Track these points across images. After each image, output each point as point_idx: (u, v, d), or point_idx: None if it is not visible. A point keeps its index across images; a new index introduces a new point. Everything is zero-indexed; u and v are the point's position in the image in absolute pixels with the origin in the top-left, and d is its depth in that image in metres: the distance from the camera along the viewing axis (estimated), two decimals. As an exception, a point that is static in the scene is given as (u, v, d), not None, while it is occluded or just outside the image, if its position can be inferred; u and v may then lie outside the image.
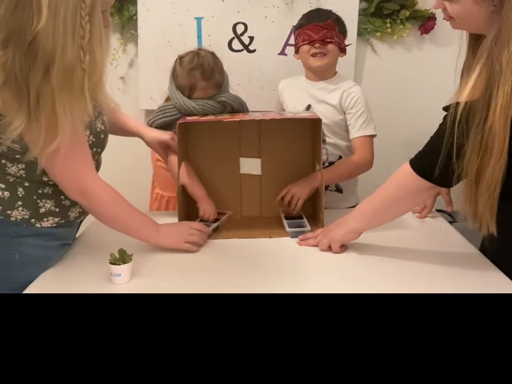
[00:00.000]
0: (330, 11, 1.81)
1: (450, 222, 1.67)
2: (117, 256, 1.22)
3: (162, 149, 1.61)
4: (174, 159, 1.59)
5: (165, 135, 1.59)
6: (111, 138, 1.38)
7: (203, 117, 1.57)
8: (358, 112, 1.74)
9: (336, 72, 1.82)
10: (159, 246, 1.39)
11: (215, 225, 1.53)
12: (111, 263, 1.22)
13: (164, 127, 1.63)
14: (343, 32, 1.79)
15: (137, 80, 2.29)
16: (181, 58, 1.66)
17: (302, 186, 1.59)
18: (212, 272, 1.30)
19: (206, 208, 1.57)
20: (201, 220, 1.56)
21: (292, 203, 1.59)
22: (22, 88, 1.05)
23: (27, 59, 1.03)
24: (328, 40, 1.71)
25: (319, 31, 1.70)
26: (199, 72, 1.61)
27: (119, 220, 1.32)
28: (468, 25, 1.20)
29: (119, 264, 1.21)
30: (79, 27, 1.03)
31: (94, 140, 1.27)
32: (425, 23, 2.25)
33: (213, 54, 1.67)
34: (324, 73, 1.79)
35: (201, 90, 1.62)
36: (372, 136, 1.75)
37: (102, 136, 1.32)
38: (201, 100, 1.61)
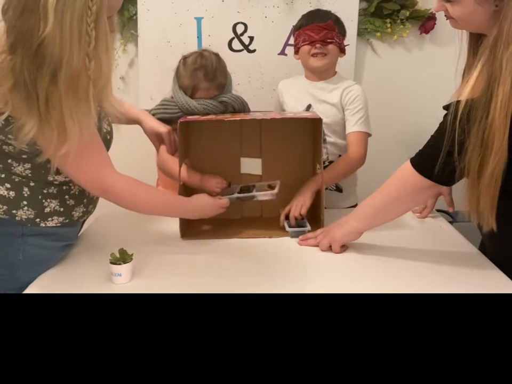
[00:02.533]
0: (330, 12, 1.81)
1: (451, 222, 1.67)
2: (118, 256, 1.23)
3: (158, 139, 1.63)
4: (163, 150, 1.63)
5: (162, 128, 1.61)
6: (116, 136, 1.38)
7: (204, 116, 1.57)
8: (355, 109, 1.74)
9: (336, 72, 1.82)
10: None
11: (234, 196, 1.53)
12: (111, 262, 1.22)
13: (163, 121, 1.64)
14: (342, 32, 1.79)
15: (137, 80, 2.29)
16: (185, 58, 1.67)
17: (302, 195, 1.58)
18: (212, 272, 1.30)
19: (211, 184, 1.57)
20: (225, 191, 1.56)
21: (297, 212, 1.56)
22: (31, 92, 1.05)
23: (34, 64, 1.04)
24: (328, 40, 1.71)
25: (319, 32, 1.71)
26: (202, 73, 1.61)
27: (146, 206, 1.36)
28: (469, 25, 1.20)
29: (119, 264, 1.22)
30: (85, 34, 1.04)
31: None
32: (425, 23, 2.25)
33: (217, 55, 1.67)
34: (324, 73, 1.79)
35: (203, 91, 1.62)
36: (367, 134, 1.75)
37: (108, 137, 1.33)
38: (203, 99, 1.61)
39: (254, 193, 1.54)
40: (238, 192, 1.55)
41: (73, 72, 1.04)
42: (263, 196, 1.54)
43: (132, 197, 1.31)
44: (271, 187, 1.56)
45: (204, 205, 1.46)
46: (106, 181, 1.25)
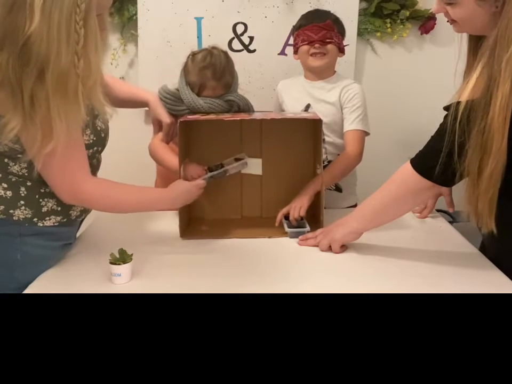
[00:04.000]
0: (329, 12, 1.81)
1: (451, 222, 1.67)
2: (117, 256, 1.23)
3: (158, 126, 1.64)
4: (158, 136, 1.64)
5: (165, 118, 1.61)
6: (115, 136, 1.38)
7: (204, 116, 1.57)
8: (354, 107, 1.74)
9: (335, 72, 1.82)
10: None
11: (211, 174, 1.54)
12: (111, 263, 1.22)
13: (170, 114, 1.65)
14: (341, 32, 1.79)
15: (137, 80, 2.29)
16: (193, 54, 1.65)
17: (300, 198, 1.58)
18: (212, 272, 1.30)
19: (186, 169, 1.54)
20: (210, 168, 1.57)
21: (296, 214, 1.56)
22: (16, 90, 1.05)
23: (20, 62, 1.04)
24: (327, 40, 1.71)
25: (318, 32, 1.71)
26: (210, 72, 1.60)
27: (123, 206, 1.36)
28: (471, 27, 1.19)
29: (119, 264, 1.22)
30: (74, 32, 1.03)
31: (94, 138, 1.28)
32: (425, 23, 2.25)
33: (225, 53, 1.66)
34: (323, 73, 1.79)
35: (210, 89, 1.62)
36: (364, 133, 1.75)
37: (103, 135, 1.32)
38: (209, 98, 1.61)
39: (225, 167, 1.56)
40: (210, 171, 1.56)
41: (61, 70, 1.04)
42: (234, 168, 1.58)
43: (106, 199, 1.30)
44: (238, 160, 1.59)
45: (182, 191, 1.44)
46: (79, 188, 1.23)
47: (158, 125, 1.64)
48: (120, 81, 1.66)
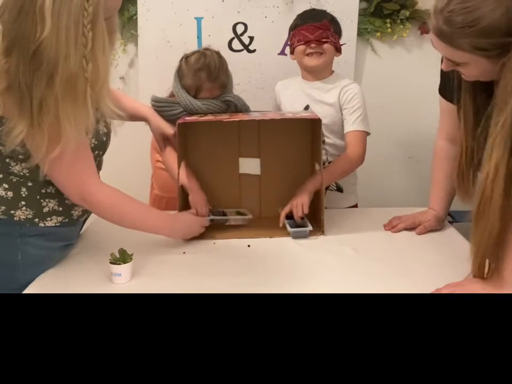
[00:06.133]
0: (325, 11, 1.80)
1: (450, 222, 1.67)
2: (118, 255, 1.23)
3: (163, 139, 1.63)
4: (170, 152, 1.61)
5: (168, 129, 1.60)
6: (115, 136, 1.38)
7: (202, 117, 1.57)
8: (353, 107, 1.73)
9: (332, 72, 1.81)
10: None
11: (221, 218, 1.59)
12: (111, 262, 1.22)
13: (168, 121, 1.64)
14: (338, 32, 1.78)
15: (137, 80, 2.30)
16: (186, 57, 1.65)
17: (300, 195, 1.57)
18: (212, 272, 1.30)
19: (197, 199, 1.56)
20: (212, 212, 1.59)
21: (299, 212, 1.56)
22: (25, 95, 1.05)
23: (31, 67, 1.03)
24: (324, 40, 1.70)
25: (314, 31, 1.70)
26: (205, 73, 1.60)
27: (126, 220, 1.34)
28: (481, 77, 1.17)
29: (119, 264, 1.22)
30: (82, 35, 1.03)
31: (96, 142, 1.28)
32: (425, 23, 2.25)
33: (218, 53, 1.66)
34: (320, 73, 1.78)
35: (207, 91, 1.62)
36: (365, 133, 1.74)
37: (104, 139, 1.32)
38: (207, 99, 1.61)
39: (228, 216, 1.61)
40: (212, 214, 1.58)
41: (70, 74, 1.04)
42: (235, 220, 1.60)
43: (112, 209, 1.30)
44: (240, 214, 1.63)
45: (184, 224, 1.45)
46: (89, 190, 1.24)
47: (162, 139, 1.63)
48: (122, 94, 1.65)
